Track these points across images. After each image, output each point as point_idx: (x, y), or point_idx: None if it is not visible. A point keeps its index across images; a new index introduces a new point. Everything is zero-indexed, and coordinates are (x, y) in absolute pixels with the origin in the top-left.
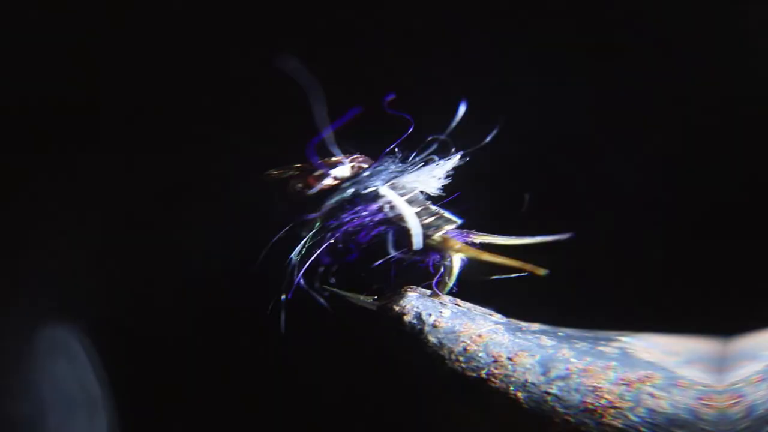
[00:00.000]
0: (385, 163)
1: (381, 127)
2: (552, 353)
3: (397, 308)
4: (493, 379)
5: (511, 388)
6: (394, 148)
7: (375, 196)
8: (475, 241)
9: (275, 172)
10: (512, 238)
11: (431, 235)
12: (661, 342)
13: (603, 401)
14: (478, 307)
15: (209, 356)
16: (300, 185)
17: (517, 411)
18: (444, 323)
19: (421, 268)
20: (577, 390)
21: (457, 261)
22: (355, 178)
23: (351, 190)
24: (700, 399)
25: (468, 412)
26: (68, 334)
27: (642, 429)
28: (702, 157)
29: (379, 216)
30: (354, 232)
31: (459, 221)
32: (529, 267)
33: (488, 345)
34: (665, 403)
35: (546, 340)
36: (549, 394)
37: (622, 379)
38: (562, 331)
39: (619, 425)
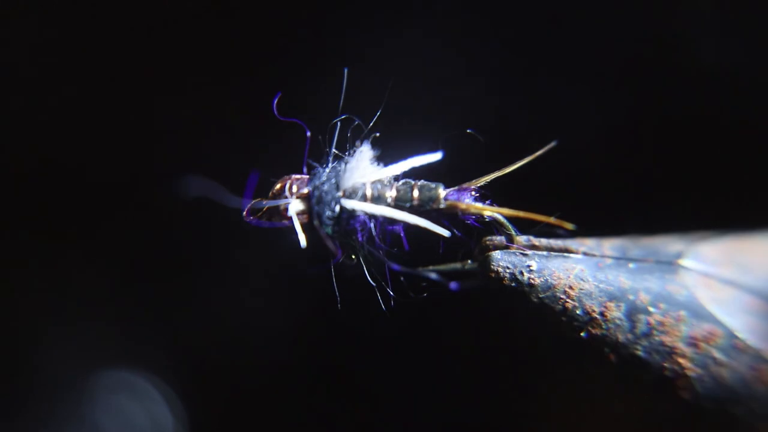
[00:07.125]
0: (319, 176)
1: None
2: (633, 300)
3: (492, 274)
4: (592, 341)
5: (606, 349)
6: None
7: (349, 213)
8: (478, 187)
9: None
10: (505, 168)
11: (435, 207)
12: (712, 256)
13: (677, 367)
14: (552, 243)
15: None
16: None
17: (609, 375)
18: (537, 279)
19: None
20: (657, 351)
21: (490, 212)
22: (313, 204)
23: (327, 214)
24: (753, 368)
25: (571, 377)
26: (136, 374)
27: (705, 404)
28: None
29: (378, 221)
30: (383, 233)
31: (441, 184)
32: (555, 221)
33: (581, 298)
34: (726, 372)
35: (624, 280)
36: (635, 357)
37: (691, 337)
38: (631, 259)
39: (687, 398)
